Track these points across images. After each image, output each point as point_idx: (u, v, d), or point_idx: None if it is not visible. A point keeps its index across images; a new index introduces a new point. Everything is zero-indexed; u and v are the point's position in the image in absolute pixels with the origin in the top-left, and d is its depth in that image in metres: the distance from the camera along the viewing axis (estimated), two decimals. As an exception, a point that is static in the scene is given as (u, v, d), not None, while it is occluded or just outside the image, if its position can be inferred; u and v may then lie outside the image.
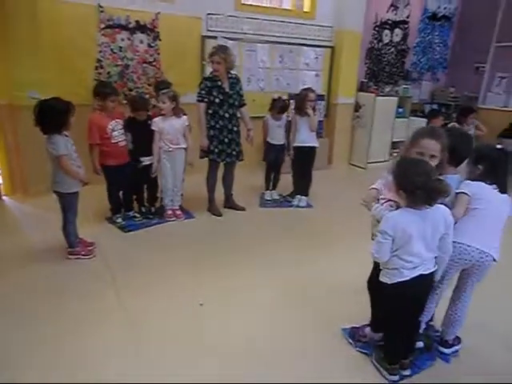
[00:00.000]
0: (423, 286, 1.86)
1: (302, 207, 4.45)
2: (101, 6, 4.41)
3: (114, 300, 2.58)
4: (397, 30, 6.54)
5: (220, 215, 4.06)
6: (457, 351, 2.16)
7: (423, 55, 6.97)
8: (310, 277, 2.99)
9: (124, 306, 2.53)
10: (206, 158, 3.97)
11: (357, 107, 6.28)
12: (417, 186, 1.65)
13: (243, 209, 4.30)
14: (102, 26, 4.48)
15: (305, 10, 5.80)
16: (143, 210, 3.93)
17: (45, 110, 2.61)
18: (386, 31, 6.46)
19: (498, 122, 6.07)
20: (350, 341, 2.21)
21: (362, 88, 6.32)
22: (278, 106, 4.31)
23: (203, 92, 3.73)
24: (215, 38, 5.11)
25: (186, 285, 2.80)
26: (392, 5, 6.35)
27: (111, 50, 4.59)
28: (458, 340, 2.18)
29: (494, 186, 1.97)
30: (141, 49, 4.75)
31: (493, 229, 1.96)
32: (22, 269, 2.87)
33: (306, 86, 4.47)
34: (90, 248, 3.09)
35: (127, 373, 1.97)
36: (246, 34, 5.32)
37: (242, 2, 5.25)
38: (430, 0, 6.67)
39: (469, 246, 1.93)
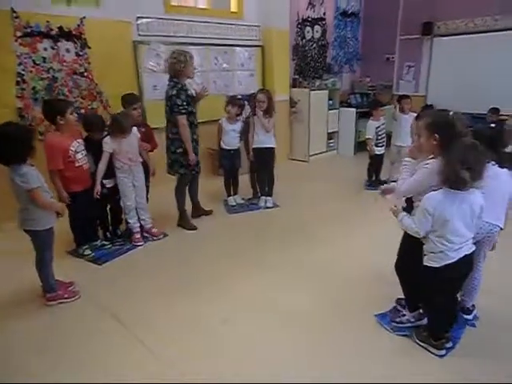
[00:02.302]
0: (467, 265, 1.98)
1: (270, 207, 4.43)
2: (14, 12, 3.83)
3: (127, 337, 2.28)
4: (316, 27, 6.86)
5: (195, 228, 3.84)
6: (475, 315, 2.35)
7: (340, 49, 7.42)
8: (315, 271, 3.01)
9: (140, 339, 2.25)
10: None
11: (292, 103, 6.45)
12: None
13: (211, 212, 4.20)
14: (19, 34, 3.89)
15: (232, 10, 5.78)
16: (108, 235, 3.54)
17: (4, 137, 2.18)
18: (308, 28, 6.74)
19: (412, 106, 6.74)
20: (387, 327, 2.27)
21: (294, 84, 6.51)
22: (237, 103, 4.22)
23: (185, 103, 3.48)
24: (148, 43, 4.81)
25: (194, 305, 2.60)
26: (310, 3, 6.64)
27: (33, 61, 4.01)
28: (473, 305, 2.37)
29: (493, 162, 2.16)
30: (68, 58, 4.24)
31: (498, 202, 2.15)
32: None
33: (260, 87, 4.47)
34: (70, 288, 2.69)
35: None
36: (179, 37, 5.10)
37: (172, 4, 5.02)
38: (341, -2, 7.14)
39: None
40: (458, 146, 1.81)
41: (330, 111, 6.71)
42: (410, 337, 2.19)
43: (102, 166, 3.21)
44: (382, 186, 2.41)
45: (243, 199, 4.60)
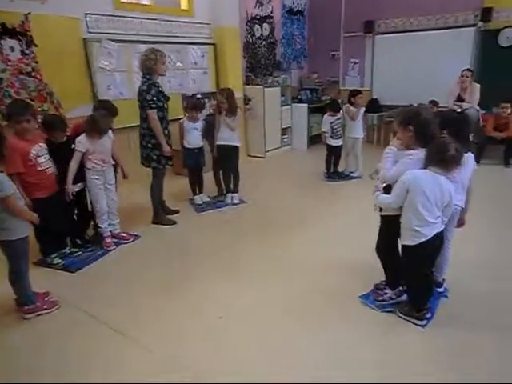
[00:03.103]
0: (439, 242, 2.19)
1: (237, 204, 4.47)
2: (-52, 7, 3.51)
3: (122, 341, 2.24)
4: (265, 25, 6.98)
5: (175, 223, 3.89)
6: (446, 288, 2.59)
7: (288, 46, 7.62)
8: (295, 262, 3.12)
9: (136, 340, 2.22)
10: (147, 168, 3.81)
11: (246, 100, 6.52)
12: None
13: (178, 211, 4.20)
14: (-45, 31, 3.59)
15: (182, 7, 5.71)
16: (78, 241, 3.39)
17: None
18: (257, 26, 6.83)
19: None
20: (373, 306, 2.44)
21: (247, 82, 6.59)
22: (198, 106, 4.22)
23: (155, 99, 3.51)
24: (99, 41, 4.62)
25: (183, 303, 2.59)
26: (257, 1, 6.74)
27: (-27, 61, 3.72)
28: (443, 279, 2.61)
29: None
30: (13, 57, 3.95)
31: (460, 184, 2.38)
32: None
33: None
34: (47, 299, 2.54)
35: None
36: (130, 34, 4.95)
37: (121, 1, 4.85)
38: (287, -4, 7.32)
39: None
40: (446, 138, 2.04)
41: (283, 107, 6.89)
42: (393, 312, 2.37)
43: (74, 164, 3.09)
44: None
45: (209, 197, 4.60)
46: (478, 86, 5.44)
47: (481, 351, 2.09)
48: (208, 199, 4.57)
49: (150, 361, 2.10)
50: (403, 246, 2.18)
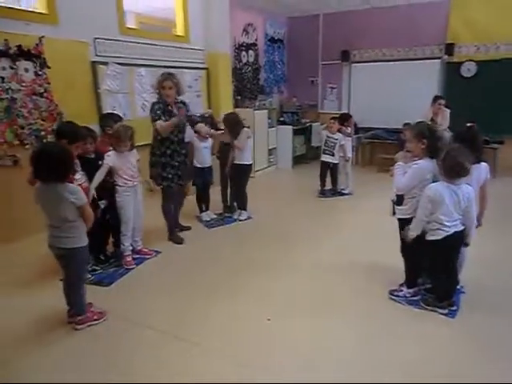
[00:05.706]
0: (458, 239, 2.54)
1: (245, 220, 4.68)
2: (-32, 29, 3.55)
3: (174, 342, 2.37)
4: (250, 52, 7.41)
5: (182, 242, 3.97)
6: (461, 285, 2.93)
7: (270, 72, 8.08)
8: (315, 265, 3.40)
9: (189, 341, 2.34)
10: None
11: (236, 122, 6.81)
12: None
13: (189, 228, 4.33)
14: (-27, 52, 3.61)
15: (178, 33, 5.98)
16: (101, 257, 3.44)
17: (57, 156, 2.17)
18: (243, 52, 7.23)
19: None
20: (402, 302, 2.74)
21: (236, 105, 6.90)
22: (192, 120, 4.45)
23: (159, 112, 3.62)
24: (106, 63, 4.76)
25: (229, 306, 2.79)
26: (244, 29, 7.17)
27: (-10, 81, 3.74)
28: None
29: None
30: (27, 78, 4.01)
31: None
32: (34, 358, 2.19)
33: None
34: (93, 310, 2.60)
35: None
36: (133, 58, 5.13)
37: (127, 27, 5.04)
38: (269, 26, 7.81)
39: None
40: (456, 149, 2.40)
41: (269, 129, 7.26)
42: (420, 304, 2.70)
43: (99, 175, 3.16)
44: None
45: (215, 214, 4.78)
46: (448, 111, 6.09)
47: (502, 334, 2.45)
48: (215, 216, 4.74)
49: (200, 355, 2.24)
50: (430, 242, 2.52)
